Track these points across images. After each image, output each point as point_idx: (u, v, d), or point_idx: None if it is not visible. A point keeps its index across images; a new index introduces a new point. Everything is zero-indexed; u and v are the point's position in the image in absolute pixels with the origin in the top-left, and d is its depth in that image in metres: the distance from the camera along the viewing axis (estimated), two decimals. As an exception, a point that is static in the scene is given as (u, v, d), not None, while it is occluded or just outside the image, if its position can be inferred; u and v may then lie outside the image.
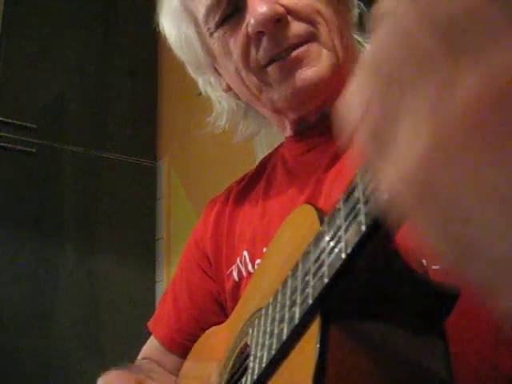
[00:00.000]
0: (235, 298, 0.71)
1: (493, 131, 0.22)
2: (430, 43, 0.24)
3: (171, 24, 0.75)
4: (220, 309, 0.80)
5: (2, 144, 2.06)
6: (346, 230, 0.34)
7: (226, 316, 0.73)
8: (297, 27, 0.63)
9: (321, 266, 0.37)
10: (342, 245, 0.34)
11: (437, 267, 0.51)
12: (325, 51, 0.63)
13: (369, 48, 0.26)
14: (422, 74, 0.24)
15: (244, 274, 0.72)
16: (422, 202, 0.24)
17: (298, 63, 0.63)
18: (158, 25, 0.77)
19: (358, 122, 0.27)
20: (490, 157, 0.22)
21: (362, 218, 0.32)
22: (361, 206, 0.32)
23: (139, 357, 0.88)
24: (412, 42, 0.25)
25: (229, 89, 0.76)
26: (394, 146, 0.25)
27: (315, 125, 0.70)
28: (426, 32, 0.24)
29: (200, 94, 0.85)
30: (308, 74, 0.62)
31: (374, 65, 0.26)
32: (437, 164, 0.24)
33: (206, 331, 0.77)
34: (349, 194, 0.35)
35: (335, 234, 0.36)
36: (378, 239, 0.32)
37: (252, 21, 0.62)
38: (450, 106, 0.23)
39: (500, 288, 0.24)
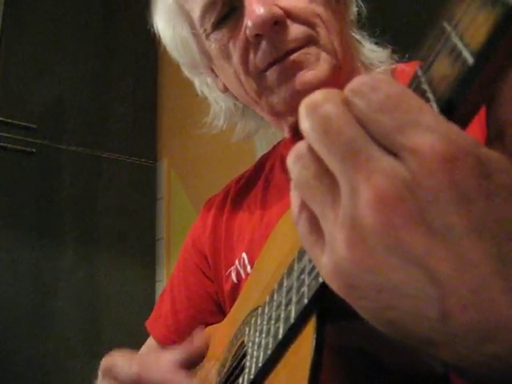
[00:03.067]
0: (234, 300, 0.70)
1: (396, 228, 0.25)
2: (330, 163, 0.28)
3: (166, 24, 0.74)
4: (218, 309, 0.80)
5: (1, 144, 2.06)
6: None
7: (225, 317, 0.73)
8: (295, 30, 0.62)
9: (316, 264, 0.37)
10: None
11: None
12: (324, 54, 0.63)
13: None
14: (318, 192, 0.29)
15: (243, 275, 0.72)
16: (347, 289, 0.29)
17: (297, 66, 0.62)
18: (152, 25, 0.77)
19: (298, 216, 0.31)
20: (396, 253, 0.26)
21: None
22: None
23: (137, 356, 0.88)
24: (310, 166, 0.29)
25: (226, 89, 0.75)
26: (321, 242, 0.29)
27: None
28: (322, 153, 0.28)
29: (198, 95, 0.84)
30: (307, 76, 0.62)
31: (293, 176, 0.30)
32: (354, 261, 0.27)
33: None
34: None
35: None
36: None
37: (249, 23, 0.61)
38: (358, 205, 0.26)
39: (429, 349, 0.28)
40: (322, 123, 0.27)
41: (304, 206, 0.31)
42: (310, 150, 0.29)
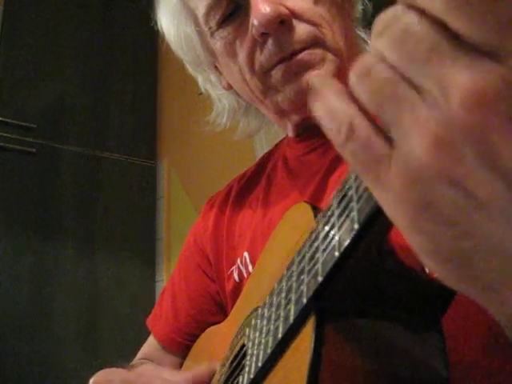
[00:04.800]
0: (236, 299, 0.70)
1: (491, 128, 0.22)
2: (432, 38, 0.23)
3: (170, 22, 0.74)
4: (219, 309, 0.80)
5: (1, 144, 2.07)
6: (340, 228, 0.34)
7: (226, 316, 0.73)
8: (301, 31, 0.62)
9: (315, 264, 0.37)
10: (335, 243, 0.34)
11: None
12: (329, 55, 0.63)
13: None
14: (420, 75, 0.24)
15: (245, 274, 0.72)
16: (419, 210, 0.24)
17: (303, 66, 0.62)
18: (156, 23, 0.76)
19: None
20: (486, 160, 0.22)
21: (354, 215, 0.32)
22: (354, 203, 0.32)
23: (138, 355, 0.88)
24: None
25: (229, 87, 0.75)
26: (384, 157, 0.25)
27: (317, 126, 0.70)
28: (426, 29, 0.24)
29: (201, 93, 0.84)
30: (312, 76, 0.62)
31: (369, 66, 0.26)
32: (438, 169, 0.23)
33: (206, 330, 0.77)
34: (342, 191, 0.34)
35: (329, 231, 0.36)
36: (371, 237, 0.32)
37: (255, 22, 0.61)
38: (450, 104, 0.22)
39: (494, 300, 0.25)
40: (402, 33, 0.24)
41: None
42: (382, 60, 0.25)
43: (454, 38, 0.23)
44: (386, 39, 0.24)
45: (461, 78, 0.22)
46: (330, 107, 0.28)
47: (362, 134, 0.26)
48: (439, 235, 0.24)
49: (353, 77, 0.26)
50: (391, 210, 0.26)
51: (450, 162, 0.23)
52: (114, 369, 0.61)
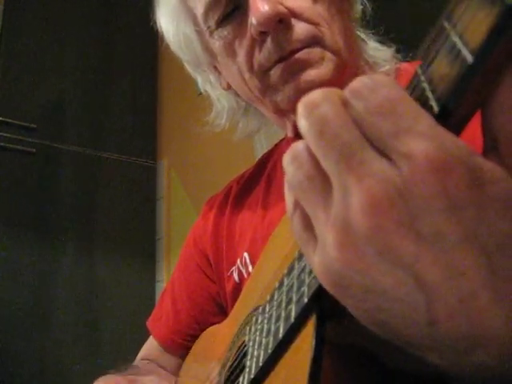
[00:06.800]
0: (236, 299, 0.70)
1: (386, 232, 0.25)
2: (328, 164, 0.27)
3: (169, 22, 0.74)
4: (219, 309, 0.80)
5: (1, 144, 2.06)
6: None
7: (226, 317, 0.73)
8: (300, 30, 0.62)
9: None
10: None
11: None
12: (328, 54, 0.63)
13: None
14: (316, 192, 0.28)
15: (245, 275, 0.72)
16: (338, 288, 0.29)
17: (302, 65, 0.62)
18: (155, 22, 0.76)
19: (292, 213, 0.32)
20: (385, 257, 0.26)
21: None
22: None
23: (139, 356, 0.88)
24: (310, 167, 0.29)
25: (229, 87, 0.75)
26: (313, 241, 0.30)
27: None
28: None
29: (200, 94, 0.84)
30: (311, 75, 0.62)
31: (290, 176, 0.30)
32: (344, 263, 0.27)
33: (206, 330, 0.77)
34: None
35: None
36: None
37: (254, 20, 0.61)
38: (351, 209, 0.26)
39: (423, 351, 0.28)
40: (318, 124, 0.27)
41: (297, 205, 0.31)
42: (307, 149, 0.29)
43: (365, 137, 0.27)
44: (307, 123, 0.28)
45: (360, 183, 0.26)
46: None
47: (295, 224, 0.32)
48: (357, 307, 0.29)
49: (284, 160, 0.30)
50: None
51: (354, 258, 0.27)
52: (110, 376, 0.62)
